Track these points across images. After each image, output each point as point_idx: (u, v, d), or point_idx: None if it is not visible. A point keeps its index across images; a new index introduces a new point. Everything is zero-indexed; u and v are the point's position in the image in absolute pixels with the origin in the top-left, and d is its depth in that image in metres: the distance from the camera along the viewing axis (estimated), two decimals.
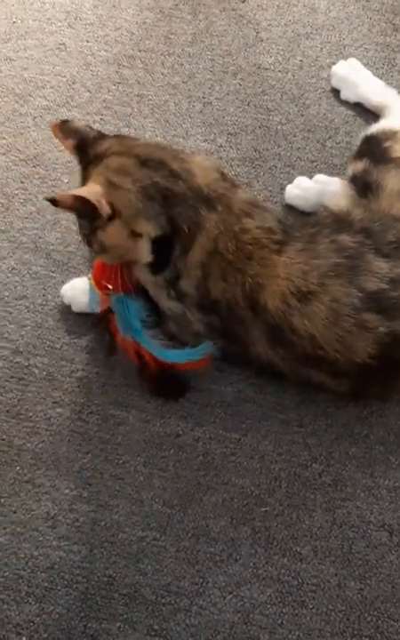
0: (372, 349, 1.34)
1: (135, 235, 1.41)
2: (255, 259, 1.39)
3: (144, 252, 1.43)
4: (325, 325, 1.35)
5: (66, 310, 1.63)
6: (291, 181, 1.73)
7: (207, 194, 1.41)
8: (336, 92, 1.86)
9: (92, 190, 1.39)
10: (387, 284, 1.35)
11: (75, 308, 1.61)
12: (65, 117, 1.82)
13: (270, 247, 1.40)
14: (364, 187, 1.49)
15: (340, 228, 1.42)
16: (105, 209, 1.39)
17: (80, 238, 1.49)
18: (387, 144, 1.55)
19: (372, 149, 1.56)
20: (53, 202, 1.38)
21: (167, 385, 1.53)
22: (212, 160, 1.50)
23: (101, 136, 1.48)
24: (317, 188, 1.67)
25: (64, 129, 1.48)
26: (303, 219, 1.64)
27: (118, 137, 1.50)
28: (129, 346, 1.50)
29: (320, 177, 1.68)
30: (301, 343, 1.37)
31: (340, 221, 1.44)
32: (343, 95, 1.84)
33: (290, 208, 1.71)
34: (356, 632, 1.39)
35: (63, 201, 1.38)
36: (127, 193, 1.39)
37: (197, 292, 1.42)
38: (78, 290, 1.60)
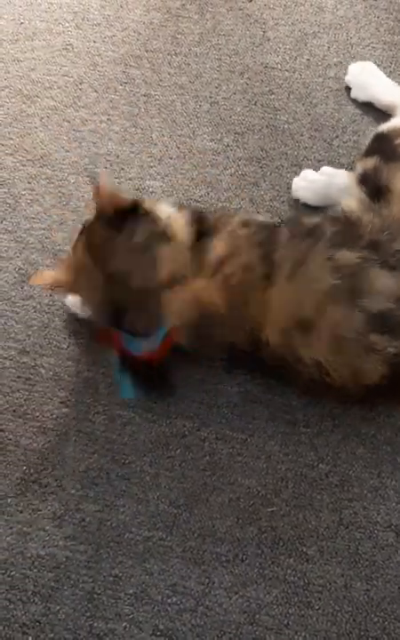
0: (383, 370, 1.30)
1: None
2: (250, 303, 1.35)
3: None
4: (331, 352, 1.31)
5: (72, 311, 1.63)
6: None
7: (175, 281, 1.38)
8: (343, 90, 1.85)
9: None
10: (393, 302, 1.29)
11: (82, 315, 1.60)
12: (73, 119, 1.82)
13: (257, 284, 1.35)
14: (375, 189, 1.47)
15: (343, 242, 1.35)
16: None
17: None
18: (398, 141, 1.54)
19: (383, 147, 1.55)
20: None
21: (154, 379, 1.52)
22: (183, 224, 1.44)
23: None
24: (324, 180, 1.67)
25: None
26: (306, 216, 1.63)
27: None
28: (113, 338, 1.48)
29: (326, 169, 1.68)
30: (308, 371, 1.34)
31: (346, 231, 1.38)
32: (353, 93, 1.83)
33: (297, 203, 1.71)
34: (362, 633, 1.38)
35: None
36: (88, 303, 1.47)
37: (191, 345, 1.42)
38: None
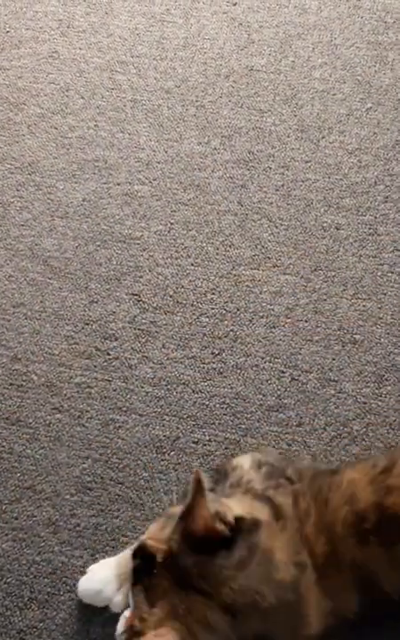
0: None
1: None
2: None
3: None
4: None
5: (63, 316, 1.63)
6: (286, 183, 1.73)
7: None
8: (329, 91, 1.86)
9: None
10: None
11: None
12: (60, 126, 1.83)
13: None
14: None
15: None
16: None
17: None
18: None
19: None
20: None
21: None
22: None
23: None
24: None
25: None
26: None
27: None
28: None
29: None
30: None
31: None
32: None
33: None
34: None
35: None
36: None
37: None
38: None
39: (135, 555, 1.19)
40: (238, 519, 1.15)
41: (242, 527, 1.15)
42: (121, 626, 1.20)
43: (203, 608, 1.11)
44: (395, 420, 1.50)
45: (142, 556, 1.17)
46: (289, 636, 1.13)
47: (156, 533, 1.19)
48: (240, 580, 1.12)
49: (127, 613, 1.19)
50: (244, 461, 1.31)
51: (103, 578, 1.34)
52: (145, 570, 1.16)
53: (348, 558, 1.14)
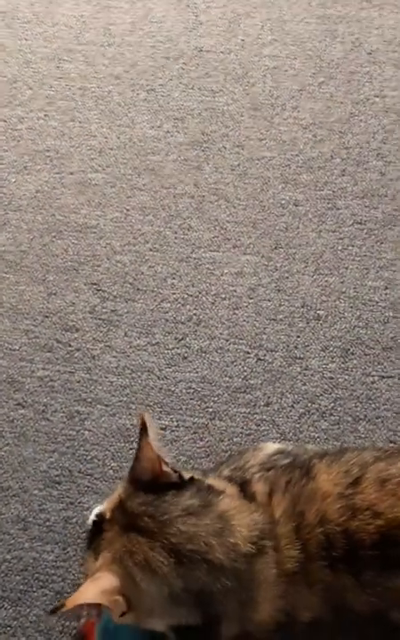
0: None
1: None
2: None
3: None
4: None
5: (22, 310, 1.60)
6: (241, 162, 1.70)
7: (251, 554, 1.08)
8: (280, 68, 1.83)
9: (105, 587, 1.02)
10: None
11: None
12: (9, 118, 1.79)
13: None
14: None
15: None
16: (120, 608, 1.03)
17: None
18: None
19: None
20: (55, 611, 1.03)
21: None
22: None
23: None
24: None
25: None
26: None
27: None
28: None
29: None
30: None
31: None
32: None
33: None
34: None
35: (70, 609, 1.02)
36: (150, 597, 1.05)
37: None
38: None
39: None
40: (192, 478, 1.11)
41: (194, 483, 1.10)
42: None
43: (144, 548, 1.04)
44: (362, 394, 1.47)
45: (96, 524, 1.13)
46: (235, 608, 1.07)
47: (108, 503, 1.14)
48: (189, 525, 1.06)
49: None
50: (270, 446, 1.22)
51: None
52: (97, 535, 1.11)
53: (318, 578, 1.06)
